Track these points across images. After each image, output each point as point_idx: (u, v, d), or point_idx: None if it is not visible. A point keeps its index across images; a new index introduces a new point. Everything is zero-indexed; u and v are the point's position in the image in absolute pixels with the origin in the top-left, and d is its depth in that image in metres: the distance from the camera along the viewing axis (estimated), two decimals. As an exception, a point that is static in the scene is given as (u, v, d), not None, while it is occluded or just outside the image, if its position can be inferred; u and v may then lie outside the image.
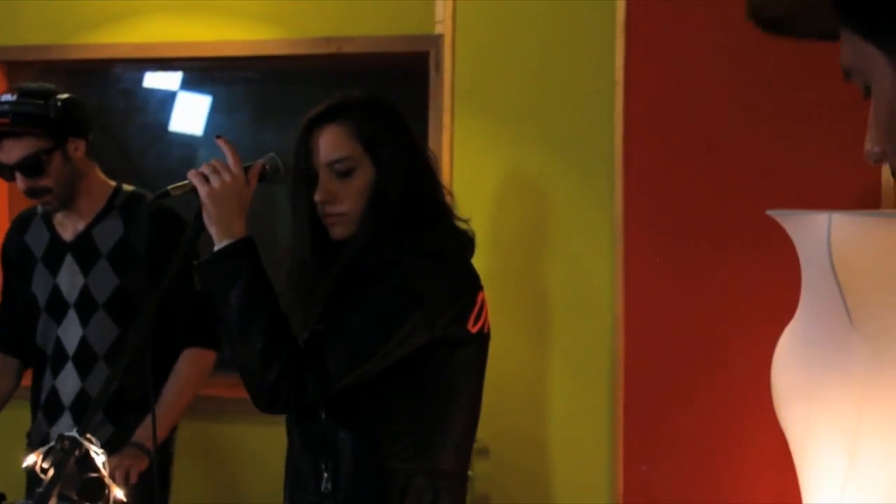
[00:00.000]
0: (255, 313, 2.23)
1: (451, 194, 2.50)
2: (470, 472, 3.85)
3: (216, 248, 2.28)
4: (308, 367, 2.21)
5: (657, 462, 3.71)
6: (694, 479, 3.65)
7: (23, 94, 3.16)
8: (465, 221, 2.47)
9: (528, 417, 3.95)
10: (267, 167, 2.37)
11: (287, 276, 2.44)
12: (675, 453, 3.69)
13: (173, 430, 3.39)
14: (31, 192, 3.21)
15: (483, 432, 3.90)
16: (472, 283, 2.42)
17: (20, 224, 3.45)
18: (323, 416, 2.33)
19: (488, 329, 2.46)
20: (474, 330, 2.41)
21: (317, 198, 2.37)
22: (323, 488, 2.33)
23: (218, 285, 2.27)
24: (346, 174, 2.36)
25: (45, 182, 3.19)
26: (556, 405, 3.92)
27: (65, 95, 3.23)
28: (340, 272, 2.36)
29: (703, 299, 3.64)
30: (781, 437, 3.05)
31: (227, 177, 2.29)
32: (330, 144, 2.38)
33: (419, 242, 2.34)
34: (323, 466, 2.33)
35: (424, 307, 2.29)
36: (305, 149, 2.40)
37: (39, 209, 3.41)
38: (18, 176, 3.17)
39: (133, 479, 3.09)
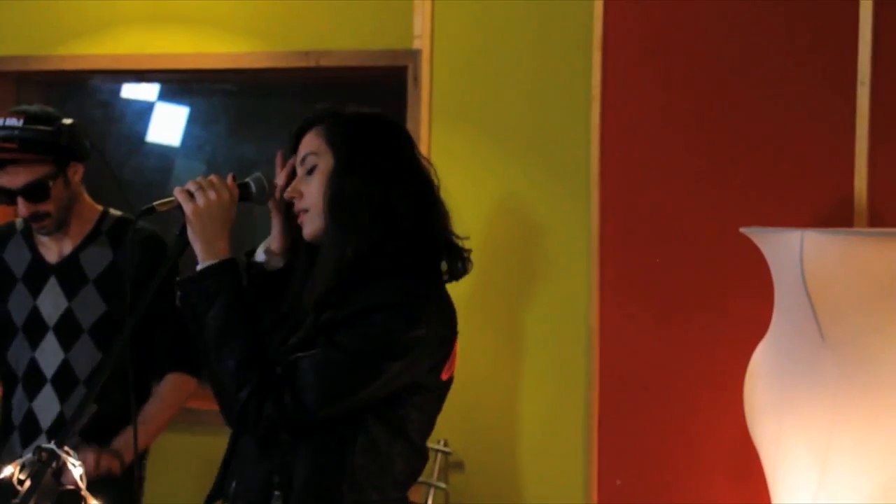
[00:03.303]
0: (232, 334, 2.23)
1: (446, 213, 2.44)
2: (445, 485, 3.88)
3: (199, 267, 2.28)
4: (284, 393, 2.20)
5: (631, 476, 3.73)
6: (667, 494, 3.68)
7: (29, 118, 3.12)
8: (462, 239, 2.44)
9: (502, 431, 3.96)
10: (253, 187, 2.36)
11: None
12: (650, 468, 3.71)
13: (143, 454, 3.37)
14: (33, 217, 3.17)
15: (458, 445, 3.94)
16: (452, 332, 2.39)
17: None
18: (285, 436, 2.31)
19: (453, 374, 2.45)
20: (444, 378, 2.40)
21: (286, 195, 2.37)
22: None
23: (197, 304, 2.26)
24: (311, 171, 2.35)
25: (48, 207, 3.16)
26: (531, 419, 3.93)
27: (69, 121, 3.19)
28: (321, 297, 2.32)
29: (678, 315, 3.67)
30: (754, 452, 3.08)
31: (212, 195, 2.28)
32: (304, 146, 2.38)
33: (400, 285, 2.28)
34: (276, 484, 2.30)
35: (408, 357, 2.26)
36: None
37: (19, 226, 3.38)
38: (20, 200, 3.13)
39: (101, 470, 3.09)
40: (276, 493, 2.29)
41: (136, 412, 2.81)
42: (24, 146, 3.09)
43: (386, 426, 2.31)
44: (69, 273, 3.26)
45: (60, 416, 3.22)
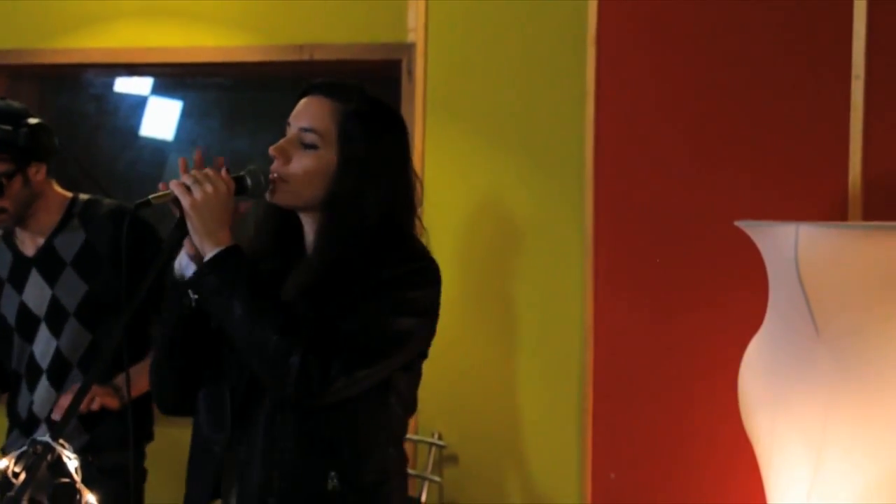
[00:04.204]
0: (263, 309, 2.19)
1: (423, 231, 2.44)
2: (439, 478, 3.88)
3: (205, 259, 2.26)
4: (343, 350, 2.19)
5: (625, 470, 3.74)
6: (662, 488, 3.68)
7: None
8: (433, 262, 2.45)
9: (497, 425, 3.96)
10: (248, 180, 2.34)
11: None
12: (643, 462, 3.71)
13: (144, 448, 3.39)
14: None
15: (452, 439, 3.95)
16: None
17: None
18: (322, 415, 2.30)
19: None
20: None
21: (271, 149, 2.31)
22: (330, 487, 2.29)
23: (217, 295, 2.24)
24: (309, 146, 2.32)
25: (4, 203, 3.18)
26: (526, 413, 3.93)
27: (34, 120, 3.20)
28: (301, 290, 2.32)
29: (672, 309, 3.67)
30: (749, 445, 3.08)
31: (209, 188, 2.25)
32: (310, 112, 2.33)
33: (417, 253, 2.33)
34: (328, 465, 2.29)
35: (423, 315, 2.32)
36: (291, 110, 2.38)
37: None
38: None
39: (95, 406, 3.13)
40: (332, 473, 2.28)
41: (130, 400, 2.81)
42: None
43: (399, 391, 2.35)
44: (47, 261, 3.28)
45: (56, 402, 3.24)
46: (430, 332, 2.37)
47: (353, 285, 2.26)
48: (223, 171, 2.30)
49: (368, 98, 2.37)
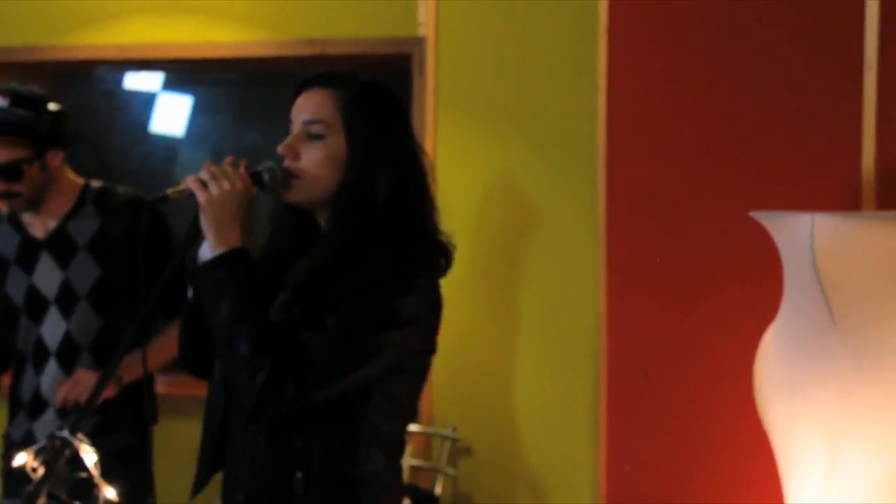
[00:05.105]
0: (244, 321, 2.21)
1: (437, 208, 2.42)
2: (453, 471, 3.89)
3: (210, 256, 2.28)
4: (303, 372, 2.19)
5: (640, 462, 3.74)
6: (677, 479, 3.68)
7: (14, 100, 3.16)
8: (449, 237, 2.44)
9: (510, 417, 3.97)
10: (265, 176, 2.34)
11: (257, 254, 2.42)
12: (659, 453, 3.71)
13: (150, 436, 3.40)
14: (4, 194, 3.23)
15: (466, 432, 3.95)
16: (440, 296, 2.41)
17: None
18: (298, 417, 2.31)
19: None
20: (437, 341, 2.43)
21: (279, 148, 2.33)
22: (295, 487, 2.30)
23: (209, 293, 2.26)
24: (316, 138, 2.32)
25: (19, 188, 3.21)
26: (539, 405, 3.94)
27: (55, 107, 3.24)
28: (317, 270, 2.33)
29: (686, 300, 3.67)
30: (764, 436, 3.08)
31: (226, 185, 2.26)
32: (311, 104, 2.33)
33: (396, 253, 2.29)
34: (294, 465, 2.30)
35: (413, 324, 2.29)
36: (291, 108, 2.39)
37: (4, 213, 3.42)
38: None
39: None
40: (299, 474, 2.28)
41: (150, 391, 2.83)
42: (4, 128, 3.14)
43: (388, 393, 2.33)
44: (59, 244, 3.30)
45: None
46: (421, 335, 2.33)
47: (340, 283, 2.26)
48: (241, 168, 2.31)
49: (365, 82, 2.37)
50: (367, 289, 2.24)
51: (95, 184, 3.40)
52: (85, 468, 2.09)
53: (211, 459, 2.45)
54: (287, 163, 2.32)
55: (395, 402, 2.35)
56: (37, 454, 2.07)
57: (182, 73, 4.87)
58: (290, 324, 2.27)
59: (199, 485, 2.46)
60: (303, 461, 2.28)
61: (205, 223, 2.27)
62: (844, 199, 3.49)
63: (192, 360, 2.49)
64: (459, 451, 3.99)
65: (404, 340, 2.28)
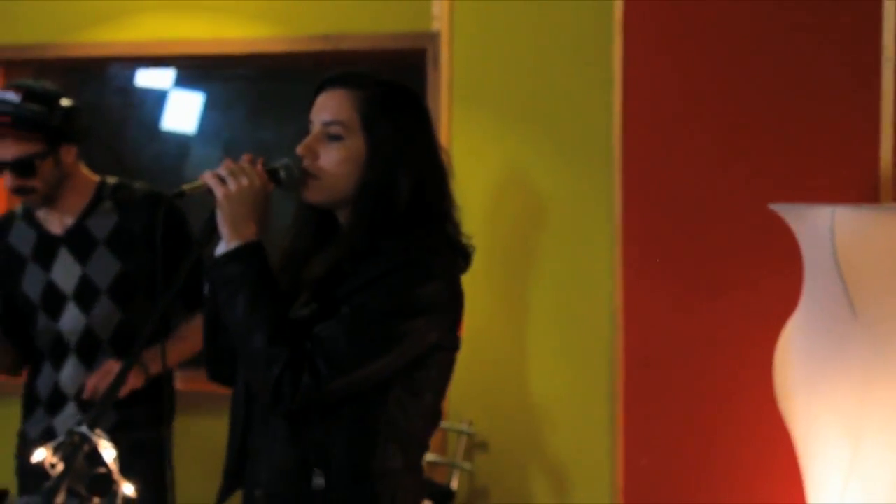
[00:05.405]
0: (260, 314, 2.22)
1: (458, 208, 2.42)
2: (469, 465, 3.89)
3: (225, 251, 2.28)
4: (318, 362, 2.19)
5: (658, 456, 3.72)
6: (696, 473, 3.66)
7: (27, 95, 3.18)
8: (468, 238, 2.43)
9: (527, 411, 3.96)
10: (282, 173, 2.34)
11: (280, 256, 2.42)
12: (677, 447, 3.70)
13: (169, 431, 3.41)
14: (17, 190, 3.25)
15: (482, 426, 3.95)
16: (461, 290, 2.40)
17: (0, 227, 3.45)
18: (316, 410, 2.30)
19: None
20: (460, 335, 2.42)
21: (298, 149, 2.34)
22: (314, 484, 2.30)
23: (224, 287, 2.26)
24: (335, 138, 2.33)
25: (34, 183, 3.23)
26: (556, 399, 3.93)
27: (67, 103, 3.26)
28: (333, 264, 2.34)
29: (705, 293, 3.65)
30: (784, 429, 3.07)
31: (244, 181, 2.27)
32: (330, 105, 2.34)
33: (414, 242, 2.31)
34: (314, 462, 2.29)
35: (432, 312, 2.29)
36: (310, 108, 2.39)
37: (19, 211, 3.44)
38: (8, 174, 3.20)
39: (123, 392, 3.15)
40: (316, 470, 2.28)
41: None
42: (17, 123, 3.16)
43: (410, 388, 2.32)
44: (78, 240, 3.32)
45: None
46: (441, 325, 2.33)
47: (357, 275, 2.27)
48: (258, 165, 2.31)
49: (384, 81, 2.39)
50: (384, 277, 2.25)
51: (111, 180, 3.42)
52: (104, 464, 2.10)
53: (236, 466, 2.45)
54: (306, 163, 2.33)
55: (417, 399, 2.34)
56: (56, 450, 2.07)
57: (195, 69, 4.87)
58: (309, 318, 2.27)
59: (226, 492, 2.46)
60: (322, 456, 2.28)
61: (221, 218, 2.27)
62: (862, 191, 3.47)
63: (218, 368, 2.50)
64: (475, 446, 3.99)
65: (424, 329, 2.28)
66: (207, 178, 2.29)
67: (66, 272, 3.32)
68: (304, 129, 2.37)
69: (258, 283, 2.25)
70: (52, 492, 2.04)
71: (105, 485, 2.09)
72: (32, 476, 3.16)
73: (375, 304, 2.24)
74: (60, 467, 2.06)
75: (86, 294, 3.30)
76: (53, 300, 3.32)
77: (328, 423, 2.29)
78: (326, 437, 2.29)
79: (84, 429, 2.07)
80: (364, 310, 2.24)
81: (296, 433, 2.31)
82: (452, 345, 2.40)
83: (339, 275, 2.31)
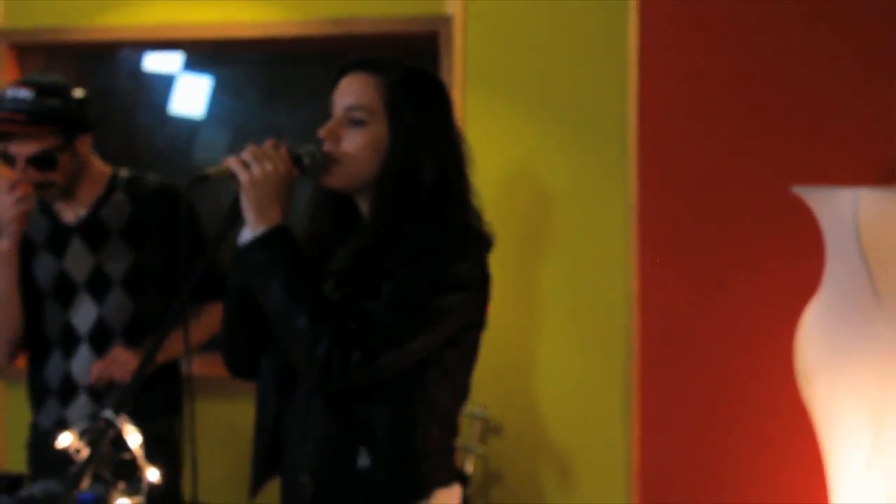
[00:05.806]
0: (299, 294, 2.21)
1: (478, 196, 2.44)
2: (484, 449, 3.88)
3: (253, 237, 2.27)
4: (368, 337, 2.20)
5: (675, 440, 3.72)
6: (715, 460, 3.65)
7: (40, 91, 3.19)
8: (489, 226, 2.43)
9: (541, 396, 3.96)
10: (306, 159, 2.33)
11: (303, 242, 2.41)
12: (695, 432, 3.69)
13: (180, 418, 3.41)
14: (40, 185, 3.25)
15: (497, 410, 3.94)
16: (489, 270, 2.41)
17: None
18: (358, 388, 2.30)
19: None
20: (486, 315, 2.43)
21: (320, 132, 2.34)
22: (360, 464, 2.30)
23: (257, 273, 2.26)
24: (357, 123, 2.33)
25: (54, 177, 3.24)
26: (571, 384, 3.93)
27: (80, 94, 3.28)
28: (361, 250, 2.33)
29: (724, 276, 3.64)
30: (804, 416, 3.07)
31: (268, 166, 2.27)
32: (353, 89, 2.35)
33: (446, 222, 2.32)
34: (359, 440, 2.29)
35: (469, 290, 2.30)
36: (332, 92, 2.38)
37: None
38: (29, 169, 3.20)
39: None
40: (362, 448, 2.28)
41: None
42: (34, 119, 3.17)
43: (444, 366, 2.33)
44: (91, 230, 3.33)
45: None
46: (475, 304, 2.35)
47: (391, 257, 2.27)
48: (282, 151, 2.30)
49: (408, 67, 2.40)
50: (422, 255, 2.26)
51: (124, 173, 3.44)
52: (129, 449, 2.10)
53: (266, 459, 2.44)
54: (327, 147, 2.33)
55: (450, 378, 2.36)
56: (81, 435, 2.08)
57: (206, 53, 4.86)
58: (341, 302, 2.27)
59: (257, 486, 2.46)
60: (367, 436, 2.29)
61: (246, 203, 2.27)
62: (882, 173, 3.46)
63: (238, 362, 2.49)
64: (490, 431, 3.99)
65: (462, 306, 2.30)
66: (232, 163, 2.28)
67: (78, 262, 3.32)
68: (316, 113, 2.37)
69: (293, 265, 2.25)
70: (77, 477, 2.04)
71: (130, 470, 2.10)
72: (45, 467, 3.17)
73: (416, 281, 2.25)
74: (85, 452, 2.06)
75: (98, 284, 3.31)
76: (65, 289, 3.32)
77: (371, 402, 2.29)
78: (369, 416, 2.29)
79: (110, 414, 2.08)
80: (406, 286, 2.25)
81: (339, 414, 2.31)
82: (481, 322, 2.41)
83: (365, 264, 2.31)
